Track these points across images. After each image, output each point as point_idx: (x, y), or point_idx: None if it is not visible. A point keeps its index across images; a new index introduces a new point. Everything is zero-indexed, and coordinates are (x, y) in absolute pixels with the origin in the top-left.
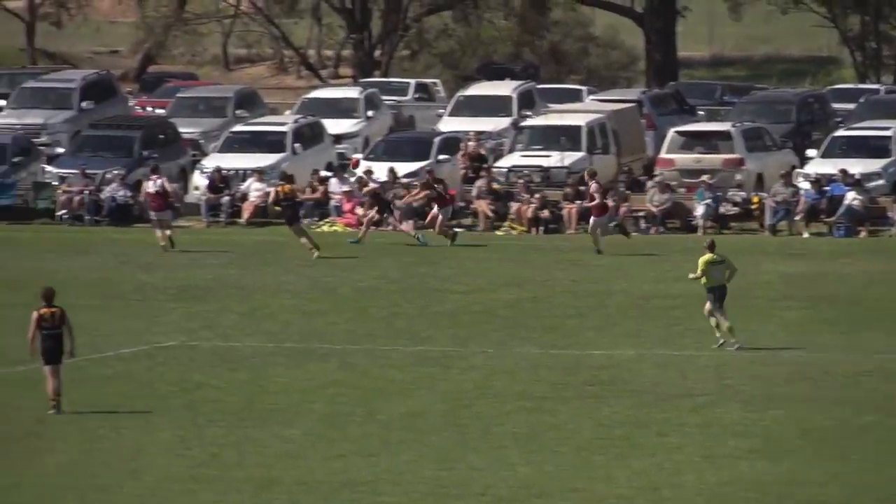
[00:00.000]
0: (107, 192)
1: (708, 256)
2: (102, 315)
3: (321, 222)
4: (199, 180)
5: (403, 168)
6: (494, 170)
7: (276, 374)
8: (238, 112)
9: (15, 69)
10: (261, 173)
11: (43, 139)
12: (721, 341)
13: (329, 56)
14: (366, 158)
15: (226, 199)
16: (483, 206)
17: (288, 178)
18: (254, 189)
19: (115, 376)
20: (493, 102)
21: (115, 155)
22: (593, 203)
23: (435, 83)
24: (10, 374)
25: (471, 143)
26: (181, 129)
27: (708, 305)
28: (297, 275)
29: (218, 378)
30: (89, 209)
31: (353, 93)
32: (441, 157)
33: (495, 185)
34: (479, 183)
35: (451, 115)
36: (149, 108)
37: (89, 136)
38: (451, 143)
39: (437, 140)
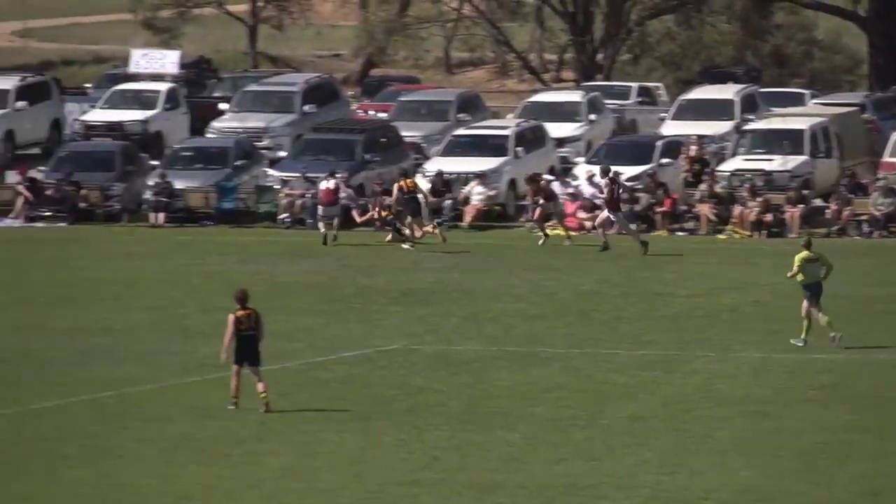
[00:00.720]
0: None
1: (804, 254)
2: (324, 319)
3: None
4: (420, 184)
5: (626, 172)
6: (717, 173)
7: (498, 378)
8: (460, 116)
9: (237, 73)
10: (483, 177)
11: (265, 143)
12: (803, 341)
13: (551, 59)
14: (588, 162)
15: (448, 202)
16: (705, 209)
17: (405, 174)
18: (476, 193)
19: (337, 380)
20: (716, 106)
21: (336, 158)
22: (607, 198)
23: (657, 87)
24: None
25: (693, 147)
26: (403, 133)
27: (805, 304)
28: (520, 278)
29: (440, 382)
30: (311, 213)
31: (575, 96)
32: (663, 160)
33: (717, 189)
34: (702, 187)
35: (674, 118)
36: (371, 112)
37: (311, 139)
38: (674, 147)
39: (659, 144)
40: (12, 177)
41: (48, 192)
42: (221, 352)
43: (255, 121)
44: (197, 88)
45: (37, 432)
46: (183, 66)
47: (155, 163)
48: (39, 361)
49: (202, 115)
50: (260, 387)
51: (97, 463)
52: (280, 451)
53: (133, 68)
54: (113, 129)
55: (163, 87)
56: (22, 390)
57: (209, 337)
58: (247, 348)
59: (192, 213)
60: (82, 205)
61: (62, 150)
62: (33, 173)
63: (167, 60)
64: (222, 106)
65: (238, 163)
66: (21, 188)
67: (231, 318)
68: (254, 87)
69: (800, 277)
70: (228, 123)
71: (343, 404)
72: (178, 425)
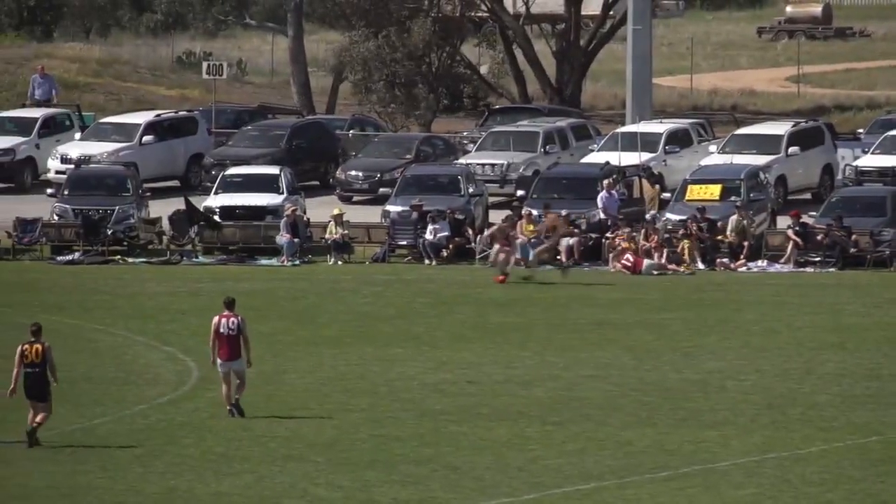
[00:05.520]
0: None
1: None
2: None
3: None
4: None
5: None
6: None
7: None
8: None
9: None
10: None
11: None
12: None
13: None
14: None
15: None
16: None
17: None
18: None
19: None
20: None
21: None
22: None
23: None
24: None
25: None
26: None
27: None
28: None
29: None
30: None
31: None
32: None
33: None
34: None
35: None
36: None
37: None
38: None
39: None
40: (784, 221)
41: (819, 238)
42: None
43: None
44: None
45: (802, 478)
46: None
47: None
48: (806, 405)
49: None
50: None
51: None
52: None
53: None
54: (885, 174)
55: None
56: (789, 434)
57: None
58: None
59: None
60: (853, 250)
61: (833, 196)
62: (805, 218)
63: None
64: None
65: None
66: (791, 233)
67: None
68: None
69: None
70: None
71: None
72: None
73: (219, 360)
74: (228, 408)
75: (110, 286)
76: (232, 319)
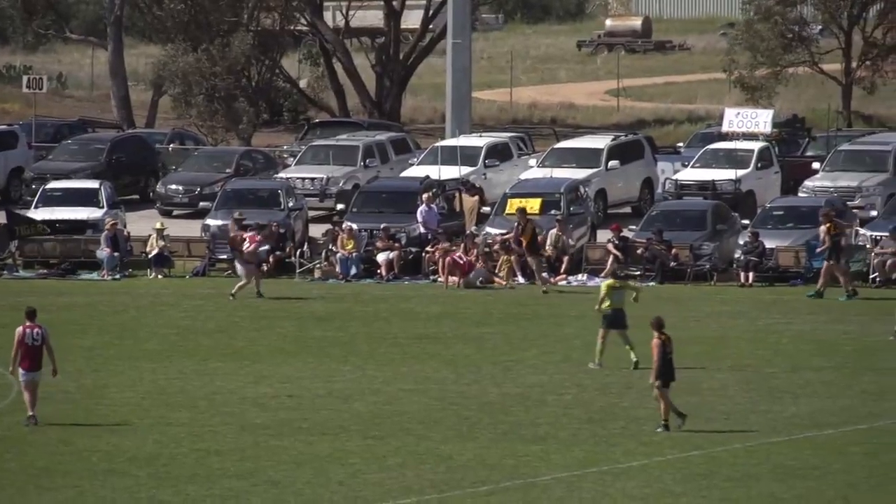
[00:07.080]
0: None
1: (610, 282)
2: None
3: None
4: None
5: None
6: None
7: None
8: None
9: (831, 132)
10: None
11: (857, 202)
12: (598, 364)
13: None
14: None
15: None
16: None
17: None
18: None
19: None
20: None
21: None
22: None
23: None
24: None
25: None
26: None
27: (602, 330)
28: None
29: None
30: None
31: None
32: None
33: None
34: None
35: None
36: None
37: None
38: None
39: None
40: (604, 235)
41: (639, 251)
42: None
43: (848, 180)
44: (789, 147)
45: (624, 492)
46: (775, 125)
47: (746, 222)
48: (627, 419)
49: (794, 174)
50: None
51: None
52: None
53: (726, 127)
54: (704, 187)
55: (755, 146)
56: (610, 448)
57: (797, 396)
58: (670, 369)
59: (783, 272)
60: (672, 263)
61: (653, 209)
62: (625, 232)
63: (760, 119)
64: (815, 165)
65: None
66: (611, 247)
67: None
68: (846, 147)
69: (606, 304)
70: (821, 183)
71: None
72: (764, 485)
73: (21, 371)
74: (31, 414)
75: None
76: (36, 330)
